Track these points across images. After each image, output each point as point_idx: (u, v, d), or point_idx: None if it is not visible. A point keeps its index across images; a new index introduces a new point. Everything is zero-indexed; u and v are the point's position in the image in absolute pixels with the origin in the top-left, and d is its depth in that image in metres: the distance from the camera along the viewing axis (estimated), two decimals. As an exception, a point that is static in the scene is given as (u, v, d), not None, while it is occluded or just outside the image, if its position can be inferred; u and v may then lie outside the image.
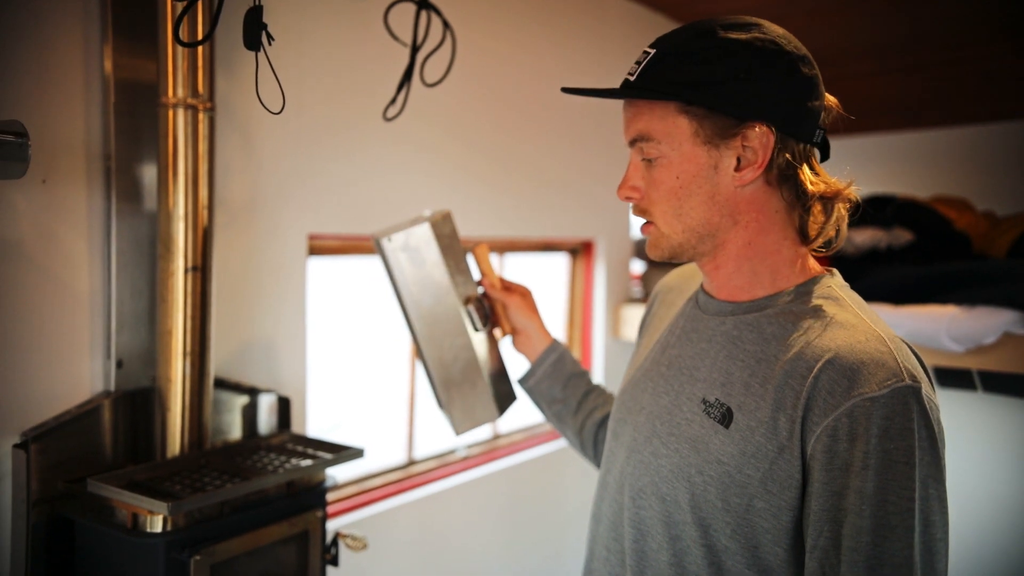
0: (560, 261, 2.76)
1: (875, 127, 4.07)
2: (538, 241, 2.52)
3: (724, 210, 0.90)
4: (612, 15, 2.63)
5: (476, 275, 1.30)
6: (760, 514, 0.85)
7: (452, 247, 1.25)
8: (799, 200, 0.91)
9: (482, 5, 2.12)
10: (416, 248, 1.21)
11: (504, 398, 1.31)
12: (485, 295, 1.29)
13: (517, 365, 1.34)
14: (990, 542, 2.42)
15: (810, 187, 0.89)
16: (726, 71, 0.86)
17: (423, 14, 1.63)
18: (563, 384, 1.27)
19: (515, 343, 1.31)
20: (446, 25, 1.66)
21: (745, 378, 0.88)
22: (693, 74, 0.86)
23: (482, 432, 2.47)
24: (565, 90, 0.93)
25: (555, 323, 2.77)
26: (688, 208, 0.90)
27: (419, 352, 1.28)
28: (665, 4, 2.76)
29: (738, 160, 0.88)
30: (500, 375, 1.30)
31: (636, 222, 2.95)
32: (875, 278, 2.32)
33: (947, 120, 3.79)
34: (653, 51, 0.90)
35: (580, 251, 2.75)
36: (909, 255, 2.45)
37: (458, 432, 1.29)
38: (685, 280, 1.12)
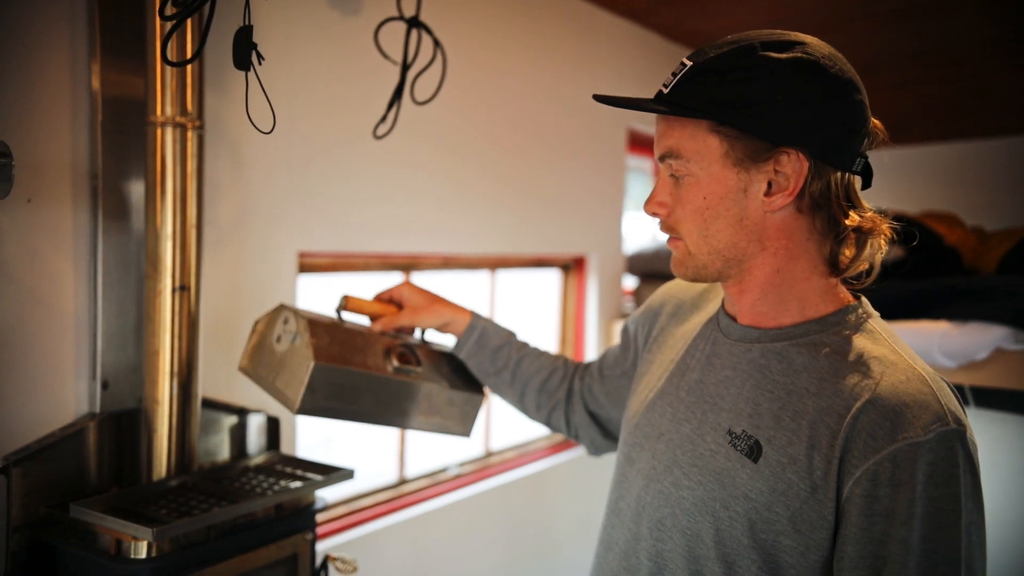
0: (552, 277, 2.76)
1: (864, 142, 4.08)
2: (530, 257, 2.52)
3: (752, 235, 0.87)
4: (603, 32, 2.64)
5: (365, 321, 1.26)
6: (787, 551, 0.82)
7: (342, 343, 1.16)
8: (832, 230, 0.87)
9: (472, 23, 2.12)
10: (325, 385, 1.12)
11: (471, 382, 1.31)
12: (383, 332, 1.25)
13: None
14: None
15: (845, 221, 0.86)
16: (762, 92, 0.82)
17: (413, 32, 1.63)
18: (491, 358, 1.26)
19: (441, 332, 1.29)
20: (436, 43, 1.65)
21: (775, 410, 0.85)
22: (728, 93, 0.83)
23: (474, 449, 2.45)
24: (597, 98, 0.91)
25: (548, 339, 2.75)
26: (715, 230, 0.87)
27: (403, 425, 1.28)
28: (656, 22, 2.77)
29: (769, 185, 0.85)
30: (453, 370, 1.30)
31: (631, 237, 2.97)
32: (866, 294, 2.32)
33: (936, 136, 3.82)
34: (690, 64, 0.87)
35: (572, 267, 2.74)
36: (899, 270, 2.46)
37: (469, 436, 1.32)
38: (697, 295, 1.08)
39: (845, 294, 0.92)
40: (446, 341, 1.34)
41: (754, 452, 0.84)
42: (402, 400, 1.23)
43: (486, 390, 1.32)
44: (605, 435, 1.25)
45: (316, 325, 1.15)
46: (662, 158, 0.90)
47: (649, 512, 0.93)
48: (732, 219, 0.87)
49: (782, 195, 0.85)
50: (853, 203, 0.88)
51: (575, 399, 1.25)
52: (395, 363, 1.21)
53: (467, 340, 1.26)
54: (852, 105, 0.85)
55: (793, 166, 0.84)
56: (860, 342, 0.86)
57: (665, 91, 0.88)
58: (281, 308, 1.21)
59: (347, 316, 1.25)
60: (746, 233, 0.87)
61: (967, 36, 2.73)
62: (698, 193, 0.87)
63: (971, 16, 2.53)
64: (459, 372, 1.30)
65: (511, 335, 1.28)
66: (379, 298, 1.28)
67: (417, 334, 1.31)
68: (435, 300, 1.27)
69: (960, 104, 3.53)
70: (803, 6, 2.52)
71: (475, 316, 1.27)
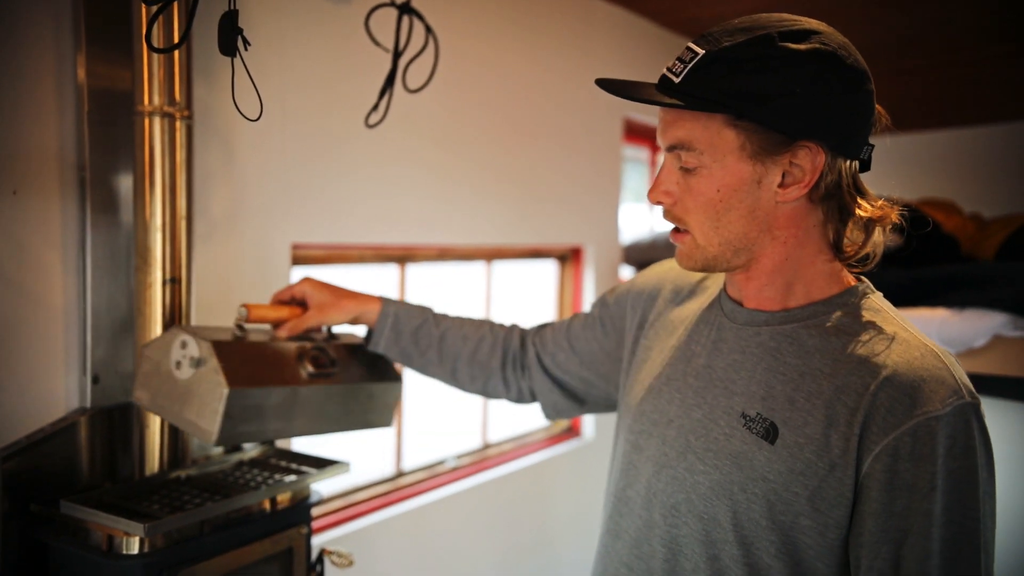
0: (549, 268, 2.74)
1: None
2: (526, 248, 2.50)
3: (763, 225, 0.86)
4: (598, 20, 2.62)
5: (267, 328, 1.22)
6: (805, 531, 0.83)
7: (252, 361, 1.10)
8: (839, 217, 0.87)
9: (465, 9, 2.10)
10: (242, 409, 1.07)
11: (388, 370, 1.29)
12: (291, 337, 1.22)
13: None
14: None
15: (857, 211, 0.86)
16: (781, 85, 0.80)
17: (405, 19, 1.60)
18: (412, 341, 1.22)
19: (352, 325, 1.26)
20: (428, 30, 1.63)
21: (788, 392, 0.85)
22: (745, 85, 0.81)
23: (472, 441, 2.44)
24: (600, 82, 0.88)
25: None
26: (726, 222, 0.86)
27: (328, 430, 1.25)
28: (651, 10, 2.75)
29: (783, 176, 0.84)
30: (367, 361, 1.27)
31: (627, 227, 2.95)
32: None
33: (935, 123, 3.81)
34: (701, 52, 0.83)
35: (569, 258, 2.73)
36: (897, 257, 2.44)
37: (390, 425, 1.33)
38: (695, 281, 1.07)
39: (848, 276, 0.92)
40: (357, 332, 1.32)
41: (770, 434, 0.85)
42: (324, 405, 1.19)
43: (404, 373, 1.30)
44: (569, 397, 1.22)
45: (222, 347, 1.09)
46: (670, 148, 0.87)
47: (662, 498, 0.92)
48: (744, 210, 0.86)
49: (797, 187, 0.84)
50: (860, 191, 0.88)
51: (531, 367, 1.22)
52: (310, 369, 1.17)
53: (382, 329, 1.22)
54: (865, 95, 0.85)
55: (810, 159, 0.83)
56: (872, 322, 0.87)
57: (676, 80, 0.84)
58: (176, 331, 1.13)
59: (249, 325, 1.18)
60: (757, 223, 0.86)
61: (964, 23, 2.71)
62: (711, 185, 0.85)
63: (968, 3, 2.51)
64: (374, 362, 1.27)
65: (427, 311, 1.24)
66: (280, 300, 1.24)
67: (323, 328, 1.27)
68: (341, 295, 1.22)
69: (957, 91, 3.52)
70: (799, -8, 2.50)
71: (385, 302, 1.23)
